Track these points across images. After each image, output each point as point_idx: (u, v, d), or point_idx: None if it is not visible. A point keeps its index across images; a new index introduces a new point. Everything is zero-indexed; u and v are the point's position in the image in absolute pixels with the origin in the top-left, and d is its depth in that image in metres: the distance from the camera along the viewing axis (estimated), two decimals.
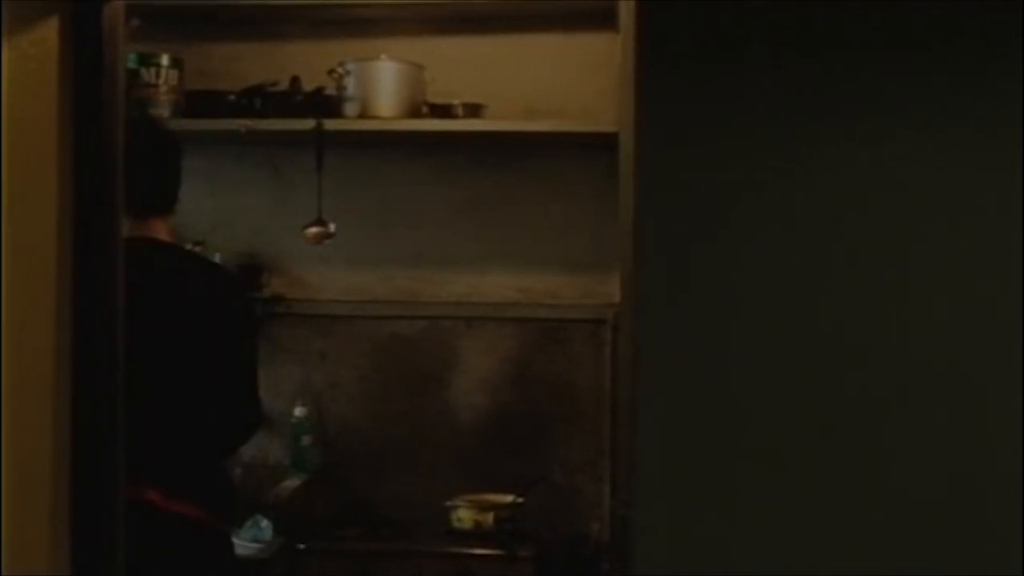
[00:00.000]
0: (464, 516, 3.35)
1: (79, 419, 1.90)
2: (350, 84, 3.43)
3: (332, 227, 3.41)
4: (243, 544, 3.40)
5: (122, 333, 2.04)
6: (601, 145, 3.23)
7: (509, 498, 3.41)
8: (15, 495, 1.73)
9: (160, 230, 2.84)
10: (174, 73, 3.53)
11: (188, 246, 3.63)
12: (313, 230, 3.41)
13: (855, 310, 1.89)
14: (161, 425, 2.73)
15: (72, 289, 1.90)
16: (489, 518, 3.33)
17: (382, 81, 3.43)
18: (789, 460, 1.88)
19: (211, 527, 2.81)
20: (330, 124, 3.40)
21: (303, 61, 3.62)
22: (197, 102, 3.54)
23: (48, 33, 1.85)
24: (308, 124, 3.39)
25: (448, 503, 3.42)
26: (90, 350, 1.96)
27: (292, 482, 3.50)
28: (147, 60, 3.50)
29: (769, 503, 1.87)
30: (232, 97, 3.51)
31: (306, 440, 3.65)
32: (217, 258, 3.64)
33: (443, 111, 3.48)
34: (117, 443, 2.03)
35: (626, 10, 2.41)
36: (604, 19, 3.29)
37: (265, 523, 3.42)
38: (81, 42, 1.91)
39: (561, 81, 3.60)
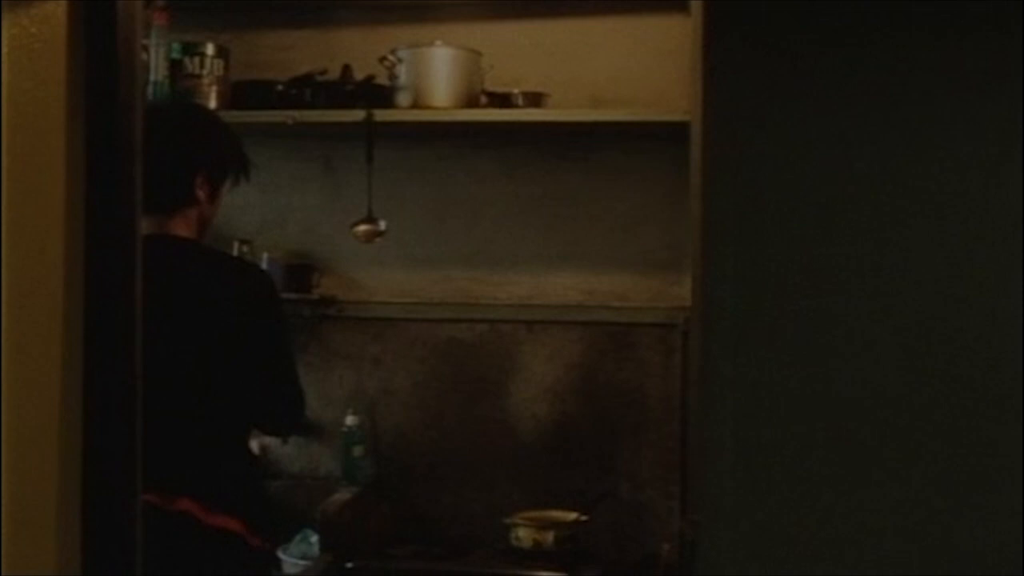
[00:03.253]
0: (523, 535, 3.14)
1: (92, 423, 1.74)
2: (402, 72, 3.24)
3: (383, 225, 3.22)
4: (291, 561, 3.25)
5: (139, 335, 1.89)
6: (672, 136, 3.03)
7: (572, 516, 3.20)
8: (17, 503, 1.59)
9: (179, 226, 2.64)
10: (219, 63, 3.38)
11: (235, 245, 3.49)
12: (363, 228, 3.22)
13: (951, 313, 1.69)
14: (193, 432, 2.59)
15: (84, 288, 1.77)
16: (549, 537, 3.11)
17: (436, 68, 3.23)
18: (875, 482, 1.69)
19: (252, 542, 2.63)
20: (381, 115, 3.22)
21: (356, 49, 3.45)
22: (243, 93, 3.38)
23: (54, 10, 1.70)
24: (358, 115, 3.21)
25: (507, 520, 3.21)
26: (103, 354, 1.81)
27: (342, 495, 3.31)
28: (191, 50, 3.36)
29: (850, 529, 1.69)
30: (280, 87, 3.34)
31: (358, 451, 3.46)
32: (265, 258, 3.48)
33: (502, 100, 3.27)
34: (133, 448, 1.88)
35: None
36: (675, 1, 3.11)
37: (315, 538, 3.26)
38: (92, 20, 1.76)
39: (629, 68, 3.37)
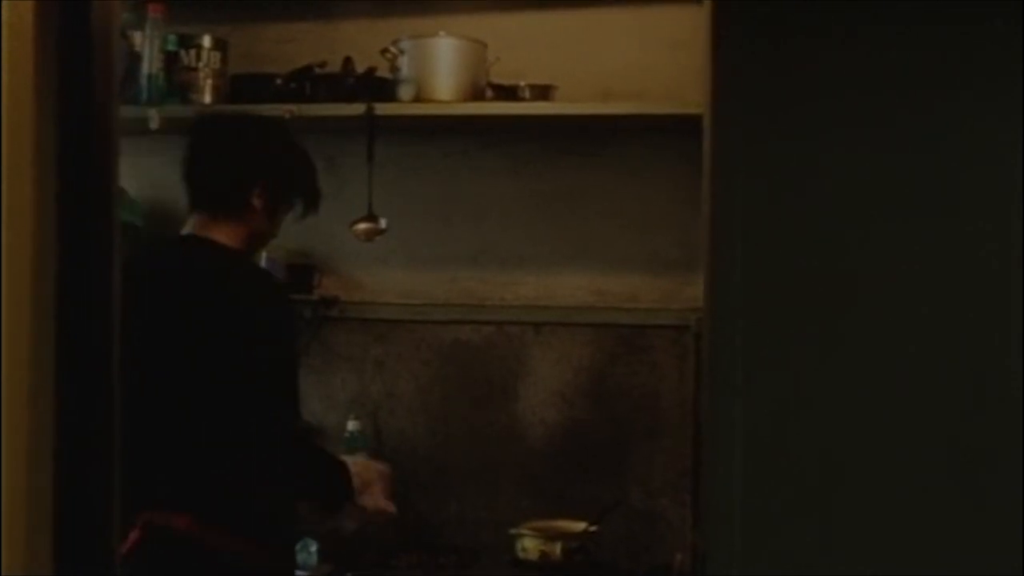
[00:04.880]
0: (529, 546, 3.02)
1: (65, 432, 1.65)
2: (405, 64, 3.12)
3: (384, 223, 3.10)
4: None
5: (116, 339, 1.80)
6: (685, 130, 2.89)
7: (580, 526, 3.07)
8: None
9: (222, 232, 2.58)
10: (216, 55, 3.28)
11: None
12: (363, 226, 3.11)
13: (968, 317, 1.59)
14: (191, 446, 2.48)
15: (56, 293, 1.67)
16: (556, 548, 3.00)
17: (440, 60, 3.12)
18: (889, 491, 1.60)
19: (261, 561, 2.49)
20: (383, 108, 3.11)
21: (358, 41, 3.34)
22: (241, 86, 3.28)
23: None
24: (359, 109, 3.10)
25: (513, 531, 3.09)
26: (76, 355, 1.71)
27: None
28: (187, 42, 3.26)
29: (862, 539, 1.61)
30: (279, 81, 3.23)
31: (360, 456, 3.33)
32: (264, 258, 3.37)
33: (508, 93, 3.15)
34: (111, 463, 1.78)
35: None
36: None
37: (315, 547, 3.15)
38: (64, 6, 1.66)
39: (640, 59, 3.25)
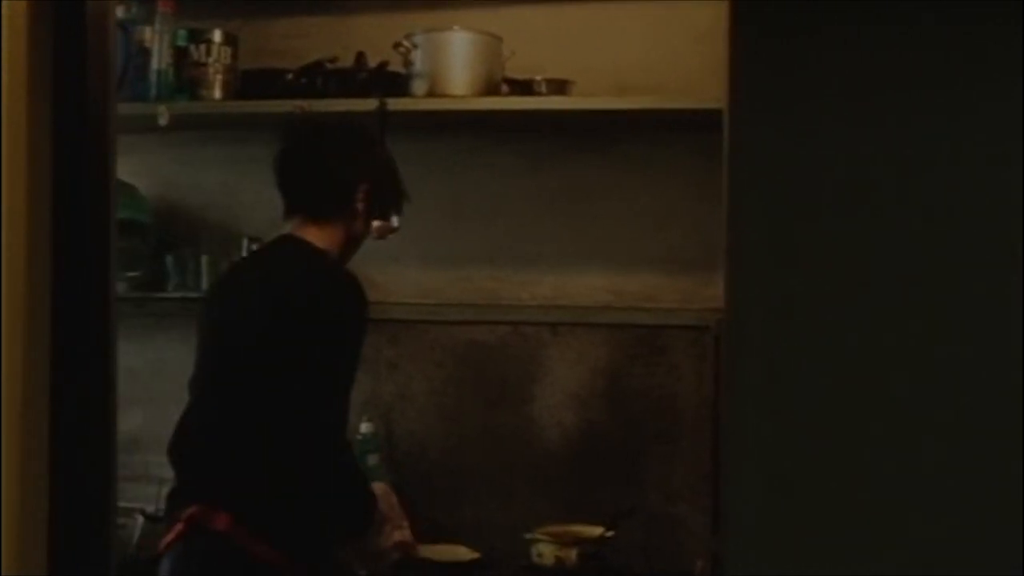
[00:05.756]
0: (544, 551, 2.95)
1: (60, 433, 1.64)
2: (418, 59, 3.06)
3: (396, 221, 3.03)
4: None
5: (113, 338, 1.79)
6: (704, 125, 2.81)
7: (597, 531, 3.01)
8: None
9: (314, 233, 2.60)
10: (227, 51, 3.23)
11: (244, 243, 3.33)
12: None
13: (995, 317, 1.55)
14: (242, 444, 2.48)
15: (51, 292, 1.65)
16: (572, 554, 2.93)
17: (454, 54, 3.06)
18: (912, 497, 1.56)
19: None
20: (395, 104, 3.05)
21: (370, 36, 3.28)
22: (252, 82, 3.23)
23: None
24: (371, 104, 3.03)
25: (528, 536, 3.02)
26: (73, 358, 1.71)
27: None
28: (197, 37, 3.21)
29: (883, 545, 1.56)
30: (289, 76, 3.17)
31: (373, 459, 3.28)
32: None
33: (523, 88, 3.09)
34: (106, 463, 1.76)
35: None
36: None
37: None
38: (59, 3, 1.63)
39: (658, 53, 3.18)
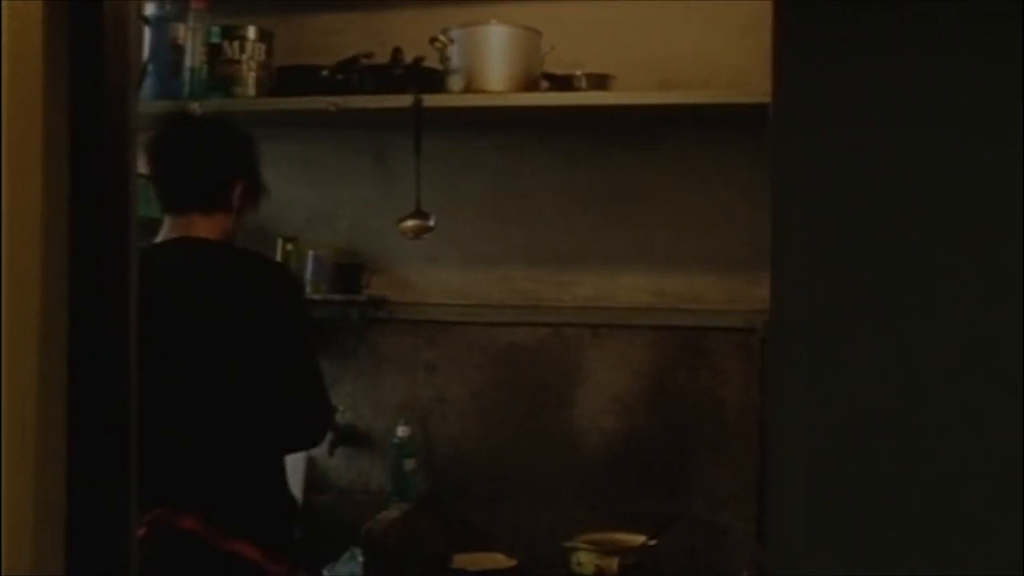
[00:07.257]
0: (584, 560, 2.87)
1: (79, 433, 1.57)
2: (455, 54, 2.98)
3: (432, 220, 2.96)
4: None
5: (133, 338, 1.72)
6: (750, 121, 2.71)
7: (639, 539, 2.92)
8: None
9: (201, 228, 2.54)
10: (261, 47, 3.17)
11: (279, 243, 3.28)
12: (410, 223, 2.97)
13: None
14: (203, 446, 2.45)
15: (69, 292, 1.58)
16: (613, 564, 2.84)
17: (492, 49, 2.98)
18: (962, 509, 1.48)
19: (273, 570, 2.45)
20: (431, 100, 2.98)
21: (407, 31, 3.21)
22: (286, 79, 3.17)
23: None
24: (406, 100, 2.96)
25: (568, 544, 2.93)
26: (90, 356, 1.65)
27: (390, 512, 3.07)
28: (231, 33, 3.16)
29: (933, 558, 1.48)
30: (324, 72, 3.11)
31: (409, 464, 3.22)
32: (311, 256, 3.26)
33: (563, 83, 3.01)
34: (126, 462, 1.71)
35: None
36: None
37: (362, 558, 3.02)
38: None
39: (702, 47, 3.08)
